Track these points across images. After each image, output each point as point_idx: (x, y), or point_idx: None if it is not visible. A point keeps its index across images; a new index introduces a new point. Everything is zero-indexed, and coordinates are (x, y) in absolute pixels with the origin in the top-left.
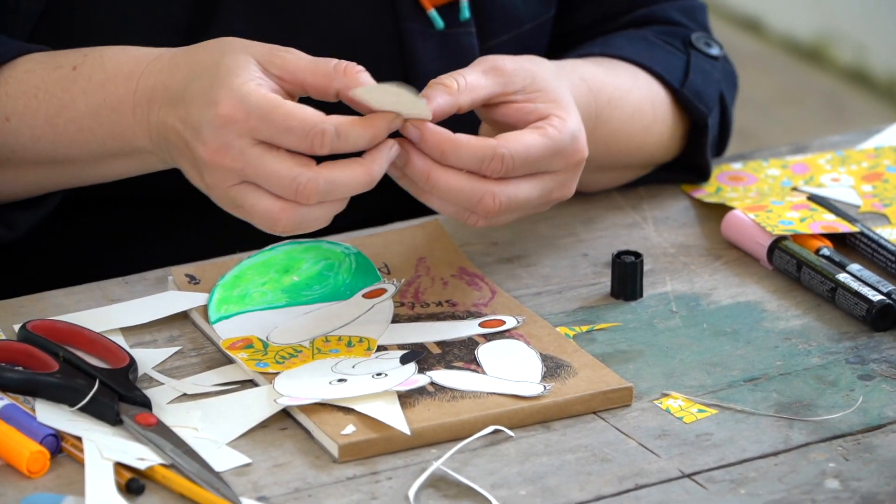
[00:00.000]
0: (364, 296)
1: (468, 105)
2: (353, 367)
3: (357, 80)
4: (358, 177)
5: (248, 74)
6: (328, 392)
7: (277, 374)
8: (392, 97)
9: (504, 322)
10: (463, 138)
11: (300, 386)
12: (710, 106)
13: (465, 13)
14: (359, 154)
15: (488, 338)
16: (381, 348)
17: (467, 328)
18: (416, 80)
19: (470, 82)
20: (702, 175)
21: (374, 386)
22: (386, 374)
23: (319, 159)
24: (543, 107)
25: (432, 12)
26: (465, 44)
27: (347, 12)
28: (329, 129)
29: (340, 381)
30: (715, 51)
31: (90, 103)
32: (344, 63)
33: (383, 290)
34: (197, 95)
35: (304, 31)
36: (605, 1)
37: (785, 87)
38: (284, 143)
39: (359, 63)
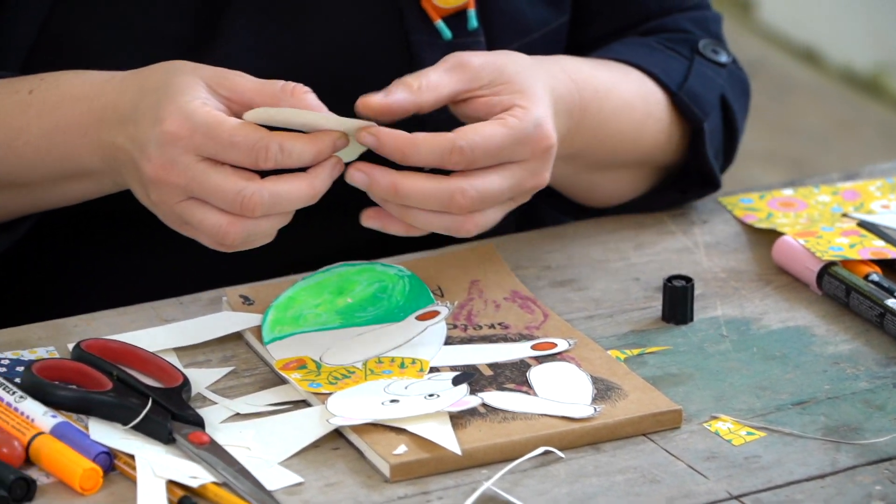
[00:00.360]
0: (417, 318)
1: (431, 104)
2: (406, 387)
3: (304, 100)
4: (301, 190)
5: (195, 93)
6: (380, 412)
7: (330, 394)
8: (307, 119)
9: (556, 345)
10: (420, 136)
11: (353, 406)
12: (706, 111)
13: (473, 23)
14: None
15: (540, 360)
16: (433, 370)
17: (519, 351)
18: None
19: (432, 81)
20: (709, 183)
21: (427, 406)
22: (438, 395)
23: (264, 175)
24: (507, 98)
25: (439, 23)
26: None
27: (354, 24)
28: (273, 145)
29: (393, 401)
30: (723, 58)
31: (44, 126)
32: (291, 84)
33: (436, 313)
34: (145, 114)
35: (311, 44)
36: (617, 14)
37: (841, 118)
38: (229, 159)
39: (367, 75)
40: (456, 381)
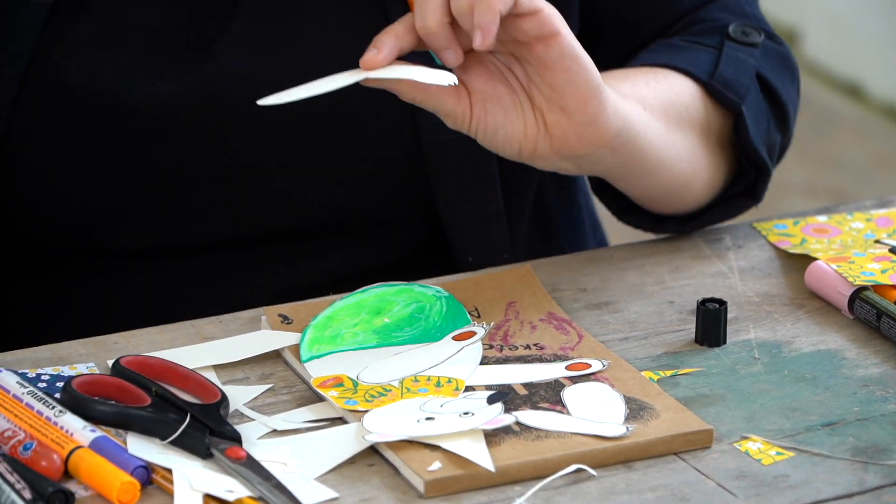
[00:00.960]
0: (454, 338)
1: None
2: (441, 406)
3: None
4: None
5: None
6: (416, 430)
7: (366, 411)
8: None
9: (590, 365)
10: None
11: (388, 423)
12: (741, 94)
13: None
14: None
15: (574, 380)
16: (468, 388)
17: (554, 371)
18: (425, 113)
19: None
20: (762, 170)
21: (461, 424)
22: (473, 413)
23: None
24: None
25: None
26: None
27: (351, 47)
28: None
29: (428, 419)
30: (755, 37)
31: None
32: None
33: (473, 333)
34: None
35: (304, 64)
36: (655, 15)
37: (883, 152)
38: None
39: (365, 93)
40: (491, 400)
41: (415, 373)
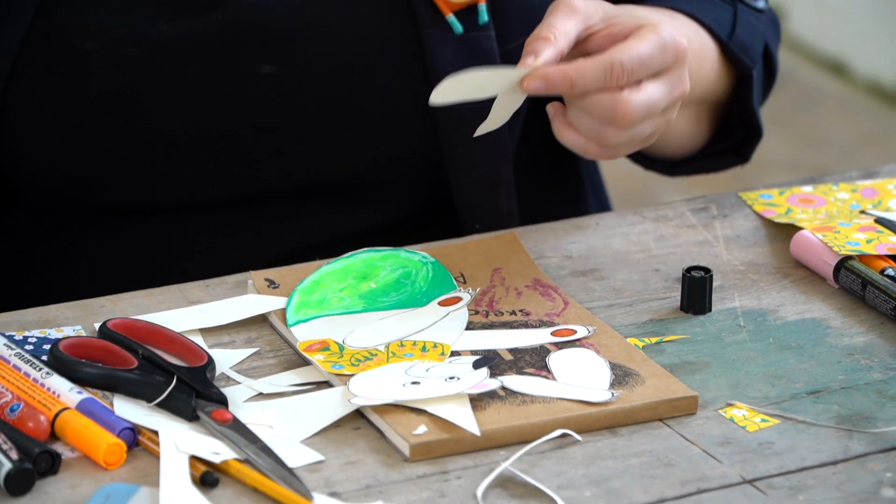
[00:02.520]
0: (440, 303)
1: (566, 49)
2: (427, 370)
3: None
4: None
5: None
6: (401, 394)
7: (352, 375)
8: (482, 81)
9: (575, 331)
10: (581, 62)
11: (374, 387)
12: (755, 59)
13: (484, 17)
14: None
15: (559, 346)
16: (454, 353)
17: (539, 337)
18: (437, 77)
19: (562, 29)
20: (754, 131)
21: (447, 389)
22: (458, 378)
23: None
24: (628, 23)
25: (451, 17)
26: (485, 47)
27: (366, 19)
28: None
29: (414, 383)
30: (760, 3)
31: None
32: None
33: (459, 299)
34: None
35: (322, 36)
36: None
37: (867, 130)
38: None
39: (378, 69)
40: (476, 365)
41: (401, 337)
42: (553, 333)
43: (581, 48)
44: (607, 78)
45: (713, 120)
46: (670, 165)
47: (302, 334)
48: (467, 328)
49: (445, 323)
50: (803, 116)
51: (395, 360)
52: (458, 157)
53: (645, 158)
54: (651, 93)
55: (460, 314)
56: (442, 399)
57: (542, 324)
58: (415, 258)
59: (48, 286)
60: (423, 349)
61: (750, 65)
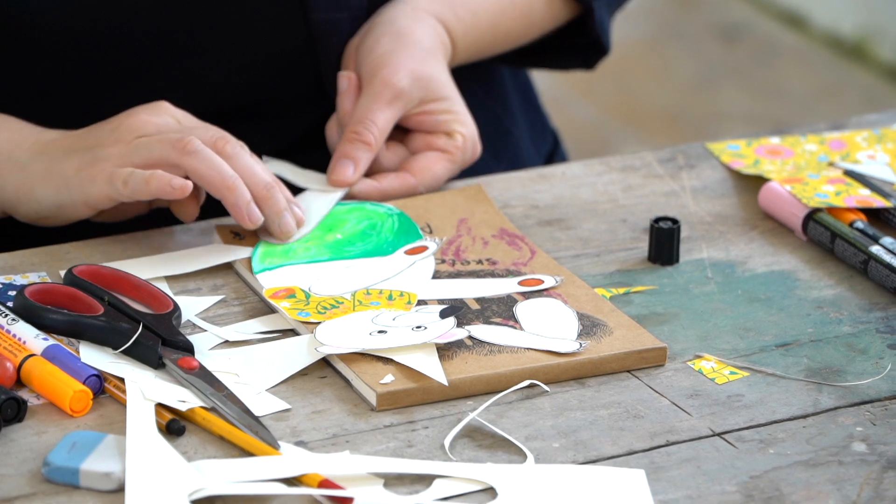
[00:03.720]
0: (406, 252)
1: (381, 144)
2: (394, 319)
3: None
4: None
5: None
6: (368, 342)
7: (318, 323)
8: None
9: (543, 281)
10: (389, 185)
11: (341, 336)
12: None
13: None
14: None
15: (527, 296)
16: (421, 303)
17: (506, 286)
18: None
19: (381, 127)
20: (599, 47)
21: (414, 338)
22: (425, 327)
23: None
24: (444, 119)
25: None
26: None
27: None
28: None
29: (381, 332)
30: None
31: None
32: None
33: (425, 248)
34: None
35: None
36: None
37: (826, 83)
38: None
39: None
40: (443, 314)
41: (367, 286)
42: (520, 283)
43: (405, 123)
44: (406, 195)
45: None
46: (519, 56)
47: (267, 282)
48: (434, 277)
49: (412, 271)
50: (761, 69)
51: (362, 309)
52: (334, 69)
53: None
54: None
55: (426, 263)
56: (409, 348)
57: (508, 273)
58: (380, 210)
59: (13, 232)
60: (390, 298)
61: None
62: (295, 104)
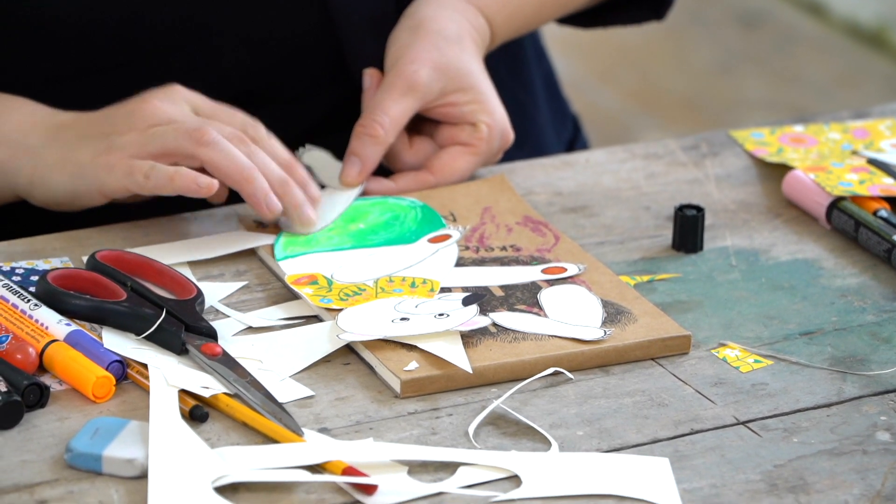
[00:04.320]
0: (429, 241)
1: (394, 136)
2: (416, 306)
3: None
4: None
5: None
6: (391, 330)
7: (341, 310)
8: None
9: (566, 269)
10: (403, 185)
11: (363, 323)
12: None
13: None
14: None
15: (551, 283)
16: (444, 290)
17: (530, 273)
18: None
19: (393, 117)
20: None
21: (437, 325)
22: (448, 315)
23: None
24: (468, 110)
25: None
26: None
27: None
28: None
29: (403, 319)
30: None
31: None
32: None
33: (448, 236)
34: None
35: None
36: None
37: (845, 71)
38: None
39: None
40: (466, 302)
41: (390, 273)
42: (543, 271)
43: (427, 115)
44: (423, 188)
45: None
46: (589, 17)
47: (290, 269)
48: (458, 264)
49: (435, 259)
50: (780, 56)
51: (384, 296)
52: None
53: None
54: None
55: (450, 251)
56: (433, 336)
57: (533, 260)
58: (403, 203)
59: (36, 217)
60: (413, 285)
61: None
62: (312, 87)
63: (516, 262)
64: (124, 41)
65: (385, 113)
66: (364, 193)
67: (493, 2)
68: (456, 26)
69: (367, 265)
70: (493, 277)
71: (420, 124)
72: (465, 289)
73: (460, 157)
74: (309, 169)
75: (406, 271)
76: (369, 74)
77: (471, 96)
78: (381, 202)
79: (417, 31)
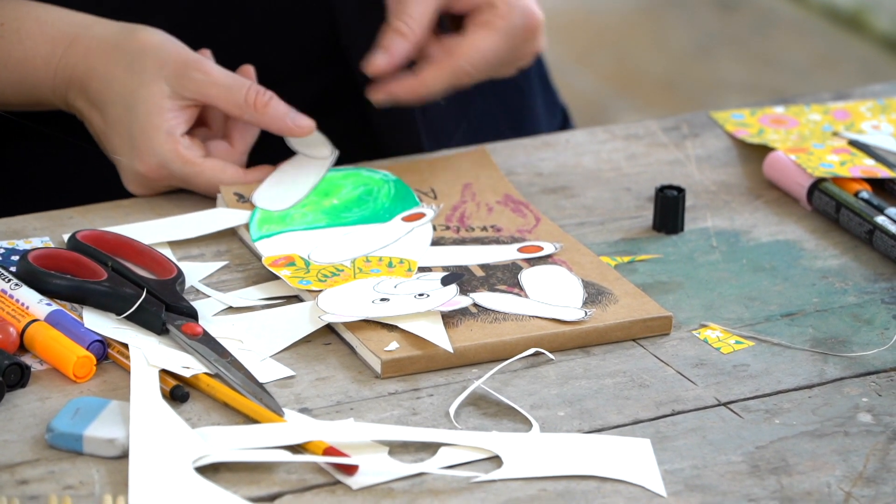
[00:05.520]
0: (403, 219)
1: (420, 39)
2: (396, 286)
3: (266, 114)
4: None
5: (166, 123)
6: (371, 310)
7: (320, 291)
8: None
9: (542, 248)
10: (427, 74)
11: (343, 303)
12: None
13: None
14: None
15: (532, 263)
16: (422, 269)
17: (507, 252)
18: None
19: (416, 16)
20: None
21: (417, 306)
22: (428, 295)
23: None
24: None
25: None
26: None
27: None
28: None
29: (383, 300)
30: None
31: (10, 78)
32: (253, 95)
33: (422, 214)
34: (117, 127)
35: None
36: None
37: (823, 53)
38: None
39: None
40: (445, 281)
41: (366, 253)
42: (520, 250)
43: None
44: (454, 84)
45: None
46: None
47: (266, 249)
48: (438, 244)
49: (410, 239)
50: (758, 38)
51: (363, 276)
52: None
53: None
54: (491, 60)
55: (425, 230)
56: (414, 316)
57: (513, 240)
58: (376, 177)
59: (14, 197)
60: (390, 265)
61: None
62: (304, 68)
63: (496, 242)
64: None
65: (408, 14)
66: (338, 163)
67: None
68: None
69: (343, 245)
70: (470, 256)
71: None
72: (444, 268)
73: (480, 34)
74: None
75: (382, 251)
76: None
77: None
78: (353, 174)
79: None
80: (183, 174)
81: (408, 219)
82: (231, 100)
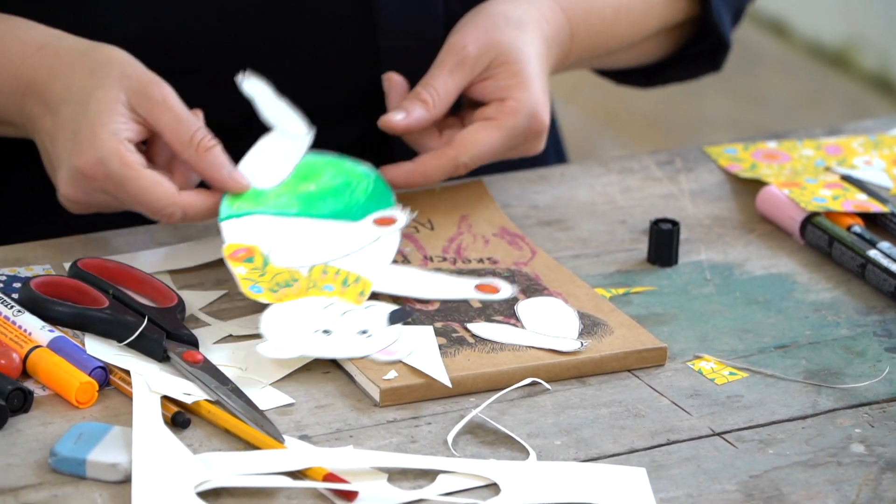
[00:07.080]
0: (375, 221)
1: (444, 111)
2: (343, 314)
3: (206, 159)
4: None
5: (114, 125)
6: (310, 346)
7: (269, 304)
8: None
9: (500, 289)
10: (426, 163)
11: (287, 327)
12: None
13: None
14: None
15: (528, 294)
16: (374, 296)
17: (462, 288)
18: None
19: (442, 93)
20: (720, 43)
21: (355, 348)
22: (370, 335)
23: None
24: (504, 85)
25: None
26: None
27: None
28: (177, 211)
29: (325, 332)
30: None
31: None
32: (199, 136)
33: (394, 220)
34: (65, 125)
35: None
36: None
37: (808, 91)
38: (134, 210)
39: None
40: (392, 318)
41: (326, 260)
42: (477, 287)
43: (465, 94)
44: (451, 174)
45: (678, 35)
46: (645, 77)
47: (231, 232)
48: (437, 271)
49: (374, 248)
50: (743, 76)
51: (315, 292)
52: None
53: (617, 73)
54: (489, 156)
55: (391, 240)
56: (412, 345)
57: (510, 273)
58: (358, 170)
59: (16, 224)
60: (345, 282)
61: None
62: (346, 113)
63: (493, 274)
64: (167, 59)
65: (433, 86)
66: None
67: (576, 8)
68: (521, 12)
69: (306, 246)
70: (424, 287)
71: (448, 116)
72: (393, 298)
73: (482, 130)
74: (251, 101)
75: (342, 262)
76: (387, 79)
77: (511, 72)
78: (336, 162)
79: (478, 14)
80: (119, 175)
81: (379, 222)
82: (178, 132)
